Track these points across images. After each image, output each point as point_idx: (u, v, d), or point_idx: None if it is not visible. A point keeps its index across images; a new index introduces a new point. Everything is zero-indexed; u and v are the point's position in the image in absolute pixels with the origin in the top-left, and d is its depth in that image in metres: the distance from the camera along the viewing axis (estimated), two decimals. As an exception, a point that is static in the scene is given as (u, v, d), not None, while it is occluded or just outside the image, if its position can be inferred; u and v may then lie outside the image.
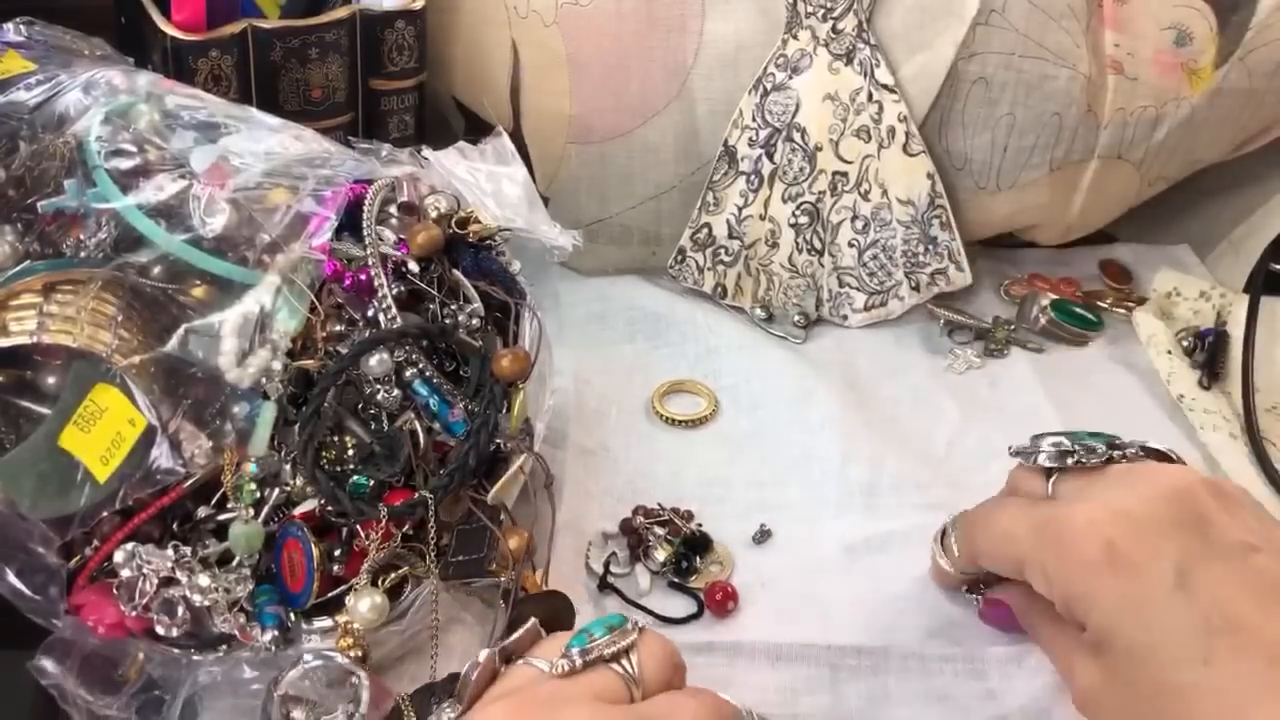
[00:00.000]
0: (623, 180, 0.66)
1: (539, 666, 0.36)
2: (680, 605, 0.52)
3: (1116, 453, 0.44)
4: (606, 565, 0.52)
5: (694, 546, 0.53)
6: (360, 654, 0.43)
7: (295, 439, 0.45)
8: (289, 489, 0.45)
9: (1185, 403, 0.63)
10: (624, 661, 0.36)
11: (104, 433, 0.43)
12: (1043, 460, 0.46)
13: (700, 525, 0.54)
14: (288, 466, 0.45)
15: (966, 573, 0.49)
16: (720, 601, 0.51)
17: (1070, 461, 0.45)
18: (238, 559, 0.44)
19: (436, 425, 0.47)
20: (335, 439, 0.45)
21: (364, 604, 0.43)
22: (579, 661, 0.36)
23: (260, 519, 0.45)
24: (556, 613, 0.45)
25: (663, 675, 0.37)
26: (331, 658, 0.42)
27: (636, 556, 0.53)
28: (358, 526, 0.45)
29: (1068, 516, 0.42)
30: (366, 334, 0.46)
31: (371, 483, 0.45)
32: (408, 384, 0.46)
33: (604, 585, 0.51)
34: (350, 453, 0.45)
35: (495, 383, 0.47)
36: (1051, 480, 0.45)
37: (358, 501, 0.44)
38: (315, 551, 0.43)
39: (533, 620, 0.39)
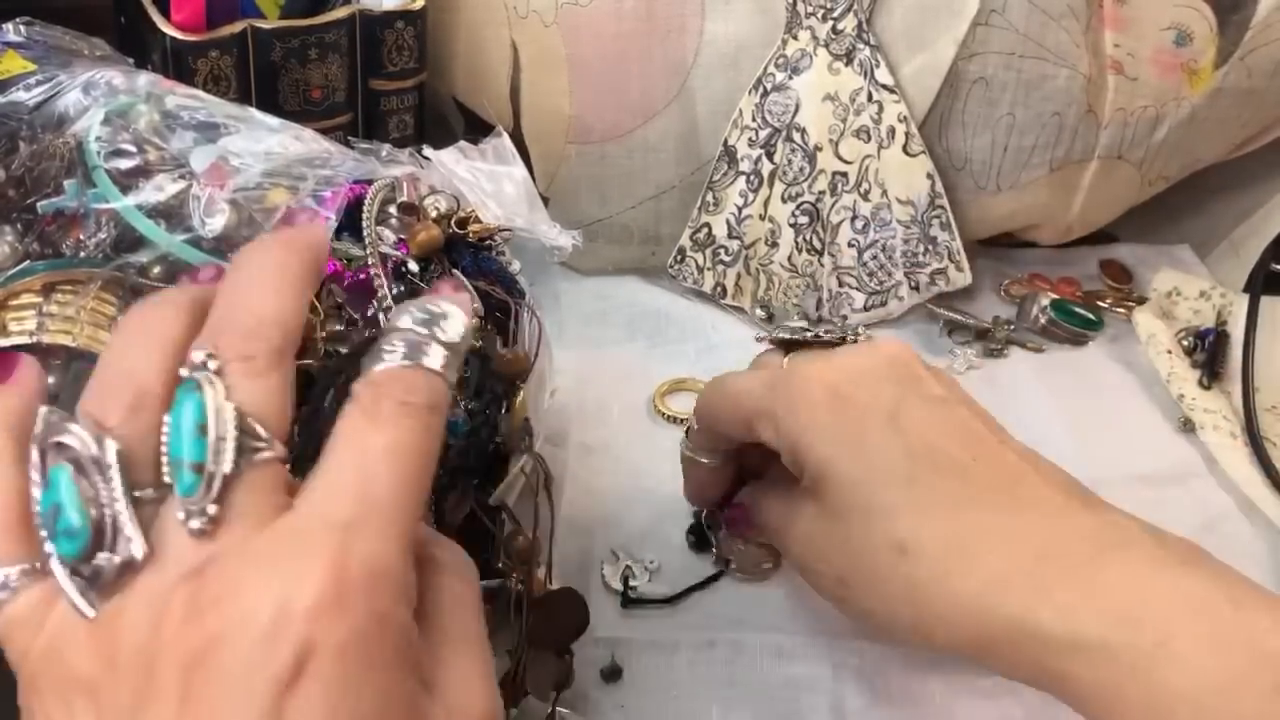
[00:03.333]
0: (623, 180, 0.66)
1: None
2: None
3: (851, 335, 0.49)
4: (625, 580, 0.52)
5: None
6: None
7: (295, 439, 0.44)
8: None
9: (1185, 402, 0.63)
10: None
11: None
12: (781, 334, 0.49)
13: None
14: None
15: (706, 453, 0.50)
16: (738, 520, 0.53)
17: (808, 335, 0.49)
18: None
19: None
20: None
21: None
22: None
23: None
24: (571, 610, 0.45)
25: None
26: None
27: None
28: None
29: (797, 370, 0.46)
30: (366, 334, 0.46)
31: None
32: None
33: (628, 602, 0.52)
34: None
35: (495, 384, 0.47)
36: (788, 357, 0.48)
37: None
38: None
39: None
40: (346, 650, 0.28)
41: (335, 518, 0.29)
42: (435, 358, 0.32)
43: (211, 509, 0.29)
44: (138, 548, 0.29)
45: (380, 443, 0.30)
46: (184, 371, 0.30)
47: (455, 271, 0.49)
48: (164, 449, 0.30)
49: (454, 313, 0.33)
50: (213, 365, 0.30)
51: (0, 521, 0.31)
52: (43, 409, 0.31)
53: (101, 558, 0.29)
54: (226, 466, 0.29)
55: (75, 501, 0.29)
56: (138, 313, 0.33)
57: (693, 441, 0.51)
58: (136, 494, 0.29)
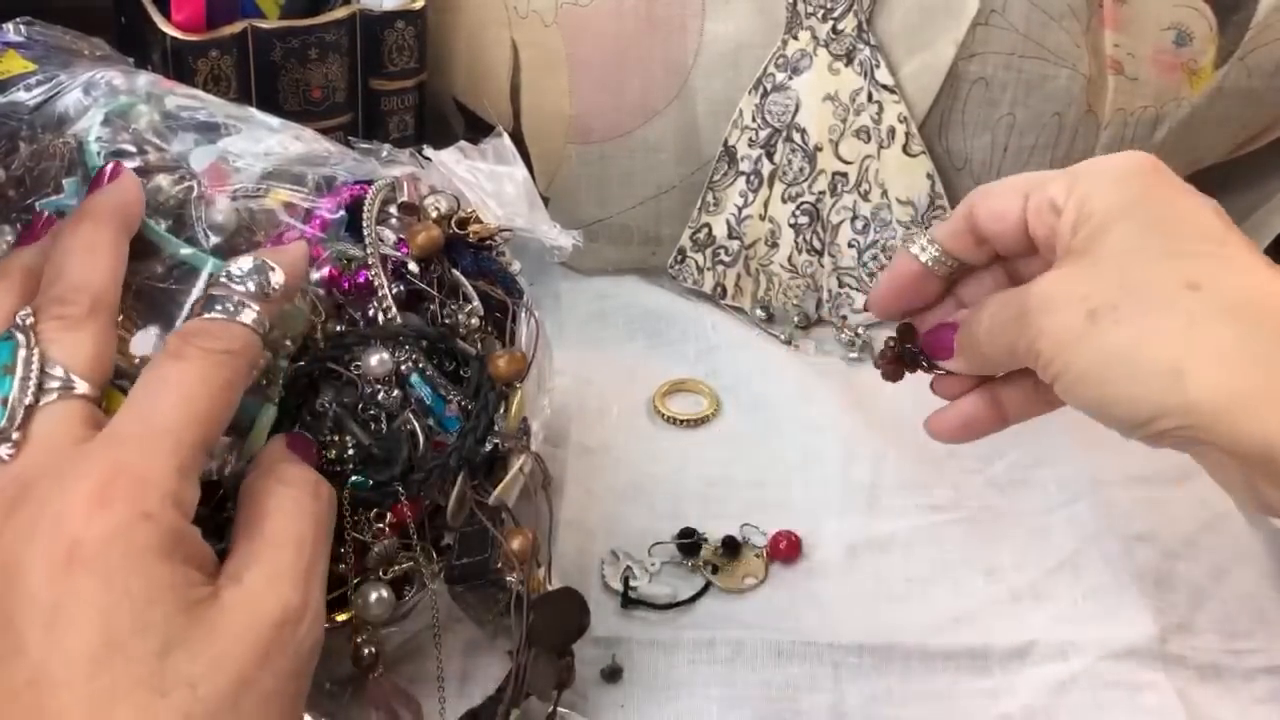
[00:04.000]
0: (623, 180, 0.66)
1: None
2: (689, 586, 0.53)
3: None
4: (626, 581, 0.52)
5: (732, 549, 0.54)
6: (373, 651, 0.43)
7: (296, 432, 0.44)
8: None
9: (1185, 402, 0.63)
10: None
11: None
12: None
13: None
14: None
15: (939, 250, 0.47)
16: (785, 550, 0.53)
17: None
18: None
19: (434, 423, 0.46)
20: (335, 438, 0.45)
21: (371, 596, 0.43)
22: None
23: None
24: (571, 611, 0.45)
25: None
26: None
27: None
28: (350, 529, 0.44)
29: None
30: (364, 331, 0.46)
31: (371, 482, 0.45)
32: (404, 378, 0.46)
33: (628, 602, 0.52)
34: (351, 452, 0.45)
35: (492, 386, 0.47)
36: None
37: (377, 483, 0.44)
38: None
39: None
40: (109, 543, 0.32)
41: (116, 436, 0.34)
42: (249, 315, 0.38)
43: (15, 435, 0.34)
44: None
45: (171, 376, 0.35)
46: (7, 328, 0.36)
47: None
48: None
49: (278, 267, 0.39)
50: (29, 321, 0.36)
51: None
52: None
53: None
54: (29, 399, 0.35)
55: None
56: None
57: (935, 232, 0.47)
58: None
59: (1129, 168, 0.42)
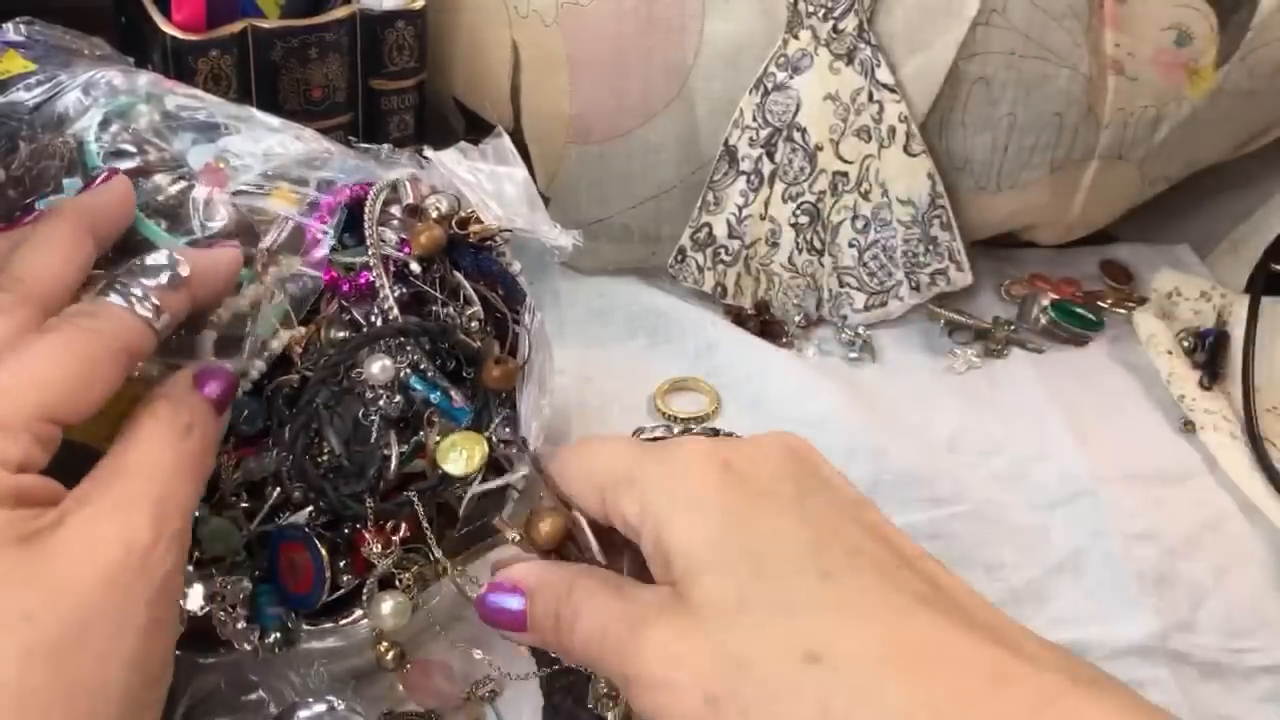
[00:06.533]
0: (623, 180, 0.66)
1: None
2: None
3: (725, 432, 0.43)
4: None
5: None
6: (400, 653, 0.44)
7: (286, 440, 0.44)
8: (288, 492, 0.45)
9: (1185, 403, 0.63)
10: None
11: (107, 431, 0.43)
12: (658, 432, 0.46)
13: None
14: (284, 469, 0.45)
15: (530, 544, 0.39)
16: None
17: (693, 429, 0.45)
18: (228, 559, 0.44)
19: (444, 420, 0.46)
20: (320, 445, 0.45)
21: (386, 606, 0.43)
22: None
23: (257, 520, 0.44)
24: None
25: None
26: (332, 703, 0.43)
27: None
28: (361, 530, 0.44)
29: (681, 442, 0.38)
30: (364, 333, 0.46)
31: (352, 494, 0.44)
32: (405, 383, 0.46)
33: None
34: (324, 459, 0.45)
35: (489, 393, 0.47)
36: None
37: (342, 495, 0.44)
38: (319, 546, 0.43)
39: None
40: None
41: None
42: (140, 303, 0.38)
43: None
44: None
45: (41, 346, 0.35)
46: None
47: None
48: None
49: (185, 260, 0.39)
50: None
51: None
52: None
53: None
54: None
55: None
56: None
57: (523, 524, 0.39)
58: None
59: (702, 482, 0.35)
